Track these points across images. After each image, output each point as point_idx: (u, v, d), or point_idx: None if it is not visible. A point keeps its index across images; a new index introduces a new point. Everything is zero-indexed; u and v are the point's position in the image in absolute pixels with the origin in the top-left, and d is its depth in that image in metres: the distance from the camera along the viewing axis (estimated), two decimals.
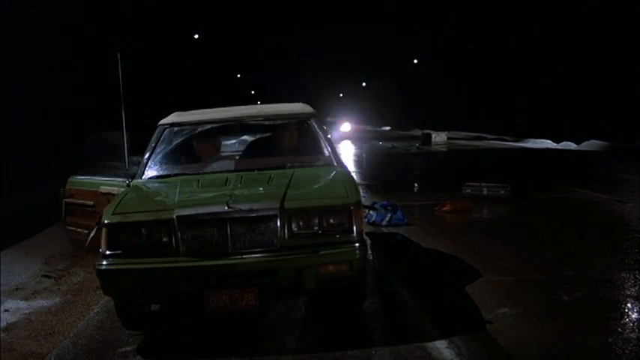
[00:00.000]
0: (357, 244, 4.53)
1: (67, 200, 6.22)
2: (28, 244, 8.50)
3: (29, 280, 6.89)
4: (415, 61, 58.39)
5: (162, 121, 6.10)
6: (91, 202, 5.80)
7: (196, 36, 42.95)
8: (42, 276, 7.06)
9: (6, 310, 5.92)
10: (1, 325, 5.57)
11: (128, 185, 5.35)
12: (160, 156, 5.80)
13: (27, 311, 5.93)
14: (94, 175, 6.22)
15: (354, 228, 4.55)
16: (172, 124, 6.05)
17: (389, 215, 9.13)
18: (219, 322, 5.18)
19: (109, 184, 5.74)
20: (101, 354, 4.79)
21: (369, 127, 65.88)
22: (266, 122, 6.24)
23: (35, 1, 14.86)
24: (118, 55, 5.62)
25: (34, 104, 14.15)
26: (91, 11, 18.54)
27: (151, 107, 14.05)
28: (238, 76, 66.44)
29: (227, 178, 5.26)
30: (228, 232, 4.46)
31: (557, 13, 33.77)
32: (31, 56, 14.83)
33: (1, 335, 5.33)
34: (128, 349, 4.85)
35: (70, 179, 6.35)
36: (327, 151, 5.72)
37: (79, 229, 5.80)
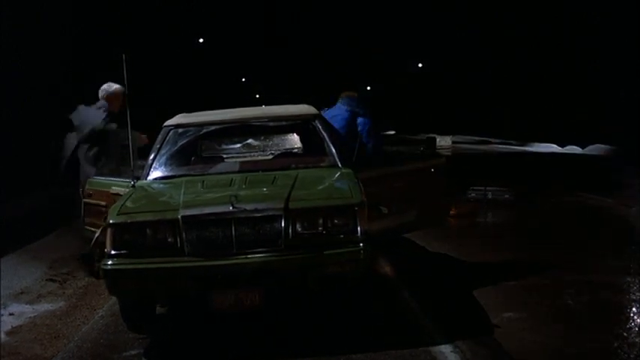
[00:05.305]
0: (361, 245, 4.51)
1: (86, 200, 6.27)
2: (33, 247, 8.51)
3: (34, 284, 6.89)
4: (420, 64, 58.36)
5: (167, 123, 6.13)
6: (103, 203, 5.83)
7: (201, 40, 43.07)
8: (47, 280, 7.06)
9: (11, 314, 5.92)
10: (6, 328, 5.58)
11: (133, 186, 5.37)
12: (164, 157, 5.82)
13: (32, 315, 5.93)
14: (111, 176, 6.25)
15: (359, 228, 4.54)
16: (177, 126, 6.07)
17: None
18: (223, 326, 5.18)
19: (119, 184, 5.77)
20: (106, 358, 4.79)
21: None
22: (271, 123, 6.28)
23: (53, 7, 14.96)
24: (124, 56, 5.63)
25: (45, 104, 14.19)
26: (97, 14, 18.62)
27: (157, 109, 14.06)
28: (243, 80, 66.55)
29: (232, 178, 5.26)
30: (233, 232, 4.46)
31: (560, 15, 33.73)
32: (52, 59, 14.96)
33: (7, 339, 5.34)
34: (133, 352, 4.84)
35: (89, 180, 6.39)
36: (331, 152, 5.71)
37: (94, 229, 5.84)
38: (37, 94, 13.94)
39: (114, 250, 4.53)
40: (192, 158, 6.32)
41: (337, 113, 7.13)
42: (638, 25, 24.46)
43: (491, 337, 4.80)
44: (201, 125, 6.17)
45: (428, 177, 6.51)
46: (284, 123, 6.32)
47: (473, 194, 11.56)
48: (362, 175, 5.29)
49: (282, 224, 4.48)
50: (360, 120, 7.15)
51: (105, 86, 7.38)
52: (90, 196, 6.24)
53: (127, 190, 5.37)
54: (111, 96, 7.30)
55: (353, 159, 5.59)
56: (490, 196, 11.31)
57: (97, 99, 7.38)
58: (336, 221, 4.56)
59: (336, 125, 6.75)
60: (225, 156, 6.45)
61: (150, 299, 4.98)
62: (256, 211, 4.51)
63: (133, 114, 5.87)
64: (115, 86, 7.32)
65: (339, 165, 5.57)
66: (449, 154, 28.62)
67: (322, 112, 6.99)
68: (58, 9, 15.64)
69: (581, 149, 28.74)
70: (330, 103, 7.43)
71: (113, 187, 5.81)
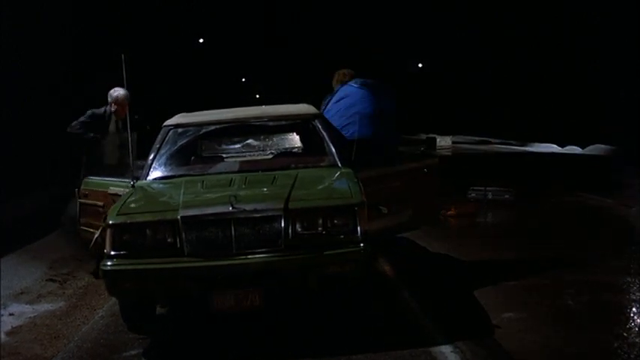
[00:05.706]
0: (361, 245, 4.52)
1: (81, 201, 6.29)
2: (33, 247, 8.51)
3: (34, 284, 6.90)
4: (420, 64, 58.30)
5: (166, 122, 6.14)
6: (101, 203, 5.84)
7: (201, 40, 43.06)
8: (47, 280, 7.06)
9: (11, 314, 5.92)
10: (6, 328, 5.58)
11: (133, 186, 5.37)
12: (164, 157, 5.82)
13: (32, 315, 5.94)
14: (108, 176, 6.27)
15: (359, 228, 4.54)
16: (177, 125, 6.08)
17: None
18: (223, 326, 5.18)
19: (117, 184, 5.77)
20: (106, 358, 4.80)
21: None
22: (270, 123, 6.29)
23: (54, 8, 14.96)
24: (124, 56, 5.63)
25: (45, 104, 14.17)
26: (97, 14, 18.61)
27: (157, 109, 14.05)
28: (243, 80, 66.50)
29: (231, 178, 5.27)
30: (233, 232, 4.47)
31: (560, 15, 33.71)
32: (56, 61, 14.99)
33: (7, 339, 5.34)
34: (133, 352, 4.85)
35: (85, 180, 6.40)
36: (331, 152, 5.71)
37: (91, 230, 5.86)
38: (37, 94, 13.91)
39: (113, 251, 4.54)
40: (192, 158, 6.32)
41: (360, 93, 6.96)
42: (638, 25, 24.43)
43: (492, 337, 4.80)
44: (200, 125, 6.18)
45: (422, 177, 6.53)
46: (284, 122, 6.34)
47: (473, 194, 11.54)
48: (362, 174, 5.29)
49: (282, 224, 4.48)
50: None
51: (110, 91, 7.39)
52: (85, 196, 6.24)
53: (126, 190, 5.37)
54: (114, 102, 7.32)
55: (352, 157, 5.59)
56: (490, 196, 11.28)
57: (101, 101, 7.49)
58: (336, 221, 4.57)
59: (362, 106, 6.74)
60: (224, 156, 6.45)
61: (150, 299, 4.98)
62: (256, 211, 4.51)
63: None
64: (117, 92, 7.30)
65: (339, 165, 5.57)
66: (449, 154, 28.63)
67: (326, 100, 7.01)
68: (58, 9, 15.63)
69: (581, 149, 28.68)
70: None
71: (111, 188, 5.81)
